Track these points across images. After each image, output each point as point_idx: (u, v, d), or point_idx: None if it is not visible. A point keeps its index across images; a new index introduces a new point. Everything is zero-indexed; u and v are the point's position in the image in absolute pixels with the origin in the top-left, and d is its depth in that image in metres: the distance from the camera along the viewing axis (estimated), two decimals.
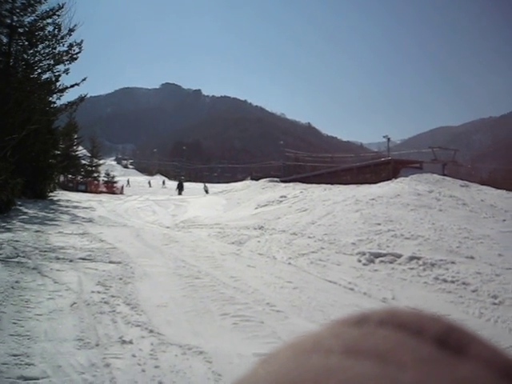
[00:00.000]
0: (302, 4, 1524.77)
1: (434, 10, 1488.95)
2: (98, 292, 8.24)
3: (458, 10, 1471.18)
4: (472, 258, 11.15)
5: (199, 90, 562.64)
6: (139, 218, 22.59)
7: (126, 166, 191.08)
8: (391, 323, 0.47)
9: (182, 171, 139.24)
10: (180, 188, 53.60)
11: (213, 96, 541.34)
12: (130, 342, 5.98)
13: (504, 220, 14.74)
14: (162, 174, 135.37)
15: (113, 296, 8.06)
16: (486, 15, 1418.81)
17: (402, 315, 0.48)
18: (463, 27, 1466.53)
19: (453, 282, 9.86)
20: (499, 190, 20.80)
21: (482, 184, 26.47)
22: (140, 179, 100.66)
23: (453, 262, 10.77)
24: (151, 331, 6.44)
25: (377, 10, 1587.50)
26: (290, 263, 11.79)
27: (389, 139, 47.60)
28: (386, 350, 0.43)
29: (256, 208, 20.93)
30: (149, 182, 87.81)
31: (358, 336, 0.45)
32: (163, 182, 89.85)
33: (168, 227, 18.82)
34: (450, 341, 0.44)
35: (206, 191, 53.98)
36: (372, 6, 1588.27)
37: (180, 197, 39.73)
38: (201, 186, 72.93)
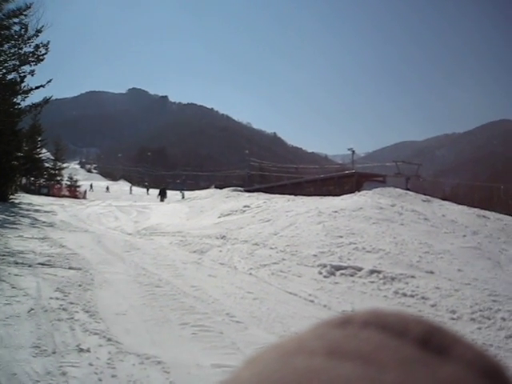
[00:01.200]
0: (268, 14, 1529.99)
1: (397, 25, 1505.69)
2: (57, 298, 8.16)
3: (422, 25, 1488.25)
4: (432, 272, 11.27)
5: (166, 97, 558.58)
6: (101, 223, 22.46)
7: (89, 171, 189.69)
8: (374, 324, 0.47)
9: (146, 177, 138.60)
10: (162, 195, 52.68)
11: (179, 103, 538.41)
12: (88, 351, 5.92)
13: (464, 235, 14.92)
14: (126, 180, 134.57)
15: (71, 303, 7.98)
16: (451, 31, 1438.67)
17: (385, 316, 0.48)
18: (428, 43, 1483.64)
19: (412, 296, 9.95)
20: (460, 206, 21.08)
21: (445, 199, 26.84)
22: (103, 184, 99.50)
23: (413, 277, 10.86)
24: (109, 339, 6.39)
25: (340, 25, 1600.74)
26: (251, 274, 11.80)
27: (353, 152, 47.88)
28: (369, 351, 0.43)
29: (219, 217, 20.91)
30: (107, 188, 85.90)
31: (341, 337, 0.46)
32: (130, 189, 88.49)
33: (130, 234, 18.74)
34: (432, 342, 0.45)
35: (183, 196, 53.52)
36: (336, 21, 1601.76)
37: (143, 203, 39.42)
38: (168, 193, 72.76)
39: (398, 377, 0.40)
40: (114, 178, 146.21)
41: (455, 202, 23.42)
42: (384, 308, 0.51)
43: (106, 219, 24.55)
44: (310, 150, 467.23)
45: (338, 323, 0.49)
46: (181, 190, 72.93)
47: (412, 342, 0.44)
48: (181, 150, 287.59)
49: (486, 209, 23.54)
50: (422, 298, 9.82)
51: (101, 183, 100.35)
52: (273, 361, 0.45)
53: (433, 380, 0.40)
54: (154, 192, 77.22)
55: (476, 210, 20.53)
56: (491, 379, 0.43)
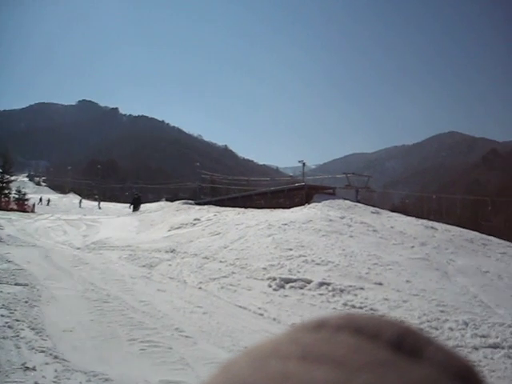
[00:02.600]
0: (217, 28, 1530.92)
1: (345, 38, 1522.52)
2: (2, 315, 8.01)
3: (370, 38, 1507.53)
4: (381, 284, 11.36)
5: (116, 109, 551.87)
6: (49, 238, 22.08)
7: (38, 183, 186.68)
8: (348, 328, 0.48)
9: (96, 190, 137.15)
10: (136, 204, 43.98)
11: (130, 115, 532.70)
12: (33, 369, 5.83)
13: (412, 247, 15.08)
14: (76, 193, 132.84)
15: (17, 320, 7.84)
16: (399, 44, 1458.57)
17: (359, 320, 0.50)
18: (376, 56, 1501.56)
19: (361, 307, 10.02)
20: (409, 217, 21.30)
21: (394, 210, 27.20)
22: (53, 197, 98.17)
23: (362, 288, 10.95)
24: (56, 357, 6.30)
25: (288, 37, 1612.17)
26: (200, 288, 11.76)
27: (304, 164, 47.94)
28: (342, 354, 0.44)
29: (169, 230, 20.78)
30: (48, 200, 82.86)
31: (315, 341, 0.47)
32: (80, 202, 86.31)
33: (78, 248, 18.44)
34: (405, 344, 0.46)
35: (136, 209, 51.13)
36: (284, 34, 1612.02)
37: (93, 217, 38.84)
38: (116, 206, 71.58)
39: (370, 380, 0.41)
40: (64, 191, 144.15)
41: (404, 214, 23.67)
42: (358, 312, 0.52)
43: (54, 233, 24.15)
44: (261, 163, 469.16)
45: (312, 327, 0.50)
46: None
47: (385, 345, 0.46)
48: (131, 163, 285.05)
49: (434, 220, 23.87)
50: (371, 309, 9.90)
51: (50, 196, 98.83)
52: (246, 365, 0.45)
53: (404, 382, 0.41)
54: (107, 205, 76.06)
55: (424, 221, 20.77)
56: (463, 380, 0.45)
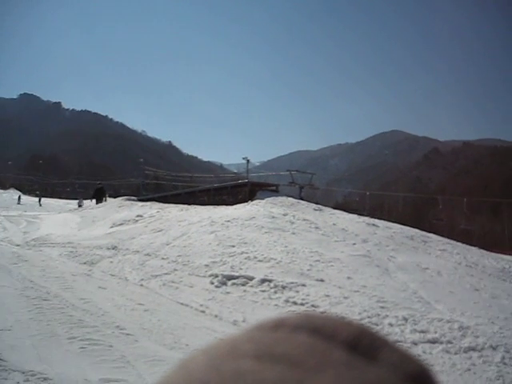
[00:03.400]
0: (156, 18, 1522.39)
1: (289, 38, 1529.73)
2: None
3: (313, 37, 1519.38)
4: (322, 280, 11.43)
5: (59, 103, 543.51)
6: None
7: None
8: (306, 328, 0.48)
9: (37, 185, 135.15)
10: (99, 196, 37.42)
11: (73, 109, 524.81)
12: None
13: (354, 244, 15.20)
14: (17, 188, 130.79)
15: None
16: (343, 44, 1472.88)
17: (316, 320, 0.50)
18: (319, 57, 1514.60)
19: (302, 304, 10.08)
20: (351, 215, 21.50)
21: (337, 207, 27.41)
22: None
23: (303, 285, 11.00)
24: None
25: (231, 33, 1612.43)
26: (142, 285, 11.70)
27: (248, 161, 47.98)
28: (298, 354, 0.44)
29: (111, 227, 20.56)
30: None
31: (271, 340, 0.47)
32: (19, 198, 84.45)
33: (18, 245, 18.12)
34: (361, 345, 0.47)
35: (80, 205, 49.43)
36: (226, 32, 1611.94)
37: (33, 213, 38.02)
38: (58, 202, 70.53)
39: (324, 380, 0.41)
40: (4, 187, 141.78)
41: (347, 211, 23.88)
42: (316, 312, 0.52)
43: None
44: (205, 159, 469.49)
45: (270, 327, 0.50)
46: (79, 198, 69.50)
47: (341, 346, 0.46)
48: (74, 158, 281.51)
49: (376, 217, 24.18)
50: (312, 306, 9.96)
51: None
52: (202, 364, 0.45)
53: (358, 383, 0.41)
54: (48, 202, 74.73)
55: (366, 218, 21.00)
56: (417, 382, 0.45)
